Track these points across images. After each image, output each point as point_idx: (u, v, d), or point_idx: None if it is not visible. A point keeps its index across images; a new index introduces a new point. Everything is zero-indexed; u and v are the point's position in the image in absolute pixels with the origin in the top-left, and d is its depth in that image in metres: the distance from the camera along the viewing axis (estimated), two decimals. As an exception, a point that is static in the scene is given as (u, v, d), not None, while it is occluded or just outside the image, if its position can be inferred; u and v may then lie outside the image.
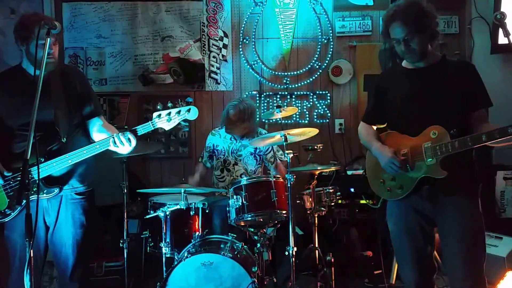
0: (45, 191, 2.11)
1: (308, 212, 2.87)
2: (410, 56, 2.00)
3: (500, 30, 1.98)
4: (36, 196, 1.92)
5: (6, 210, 2.09)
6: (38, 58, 1.82)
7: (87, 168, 2.27)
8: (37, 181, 1.99)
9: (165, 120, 2.07)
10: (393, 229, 2.13)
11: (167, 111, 2.08)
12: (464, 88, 1.93)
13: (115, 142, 2.07)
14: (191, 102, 2.12)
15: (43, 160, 2.07)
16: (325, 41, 3.91)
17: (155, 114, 2.08)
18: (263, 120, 3.34)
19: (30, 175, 1.90)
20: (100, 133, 2.27)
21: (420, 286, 2.06)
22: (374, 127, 2.22)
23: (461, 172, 1.96)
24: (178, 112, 2.08)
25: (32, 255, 1.63)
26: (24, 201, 1.91)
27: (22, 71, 2.18)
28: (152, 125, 2.08)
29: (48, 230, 2.22)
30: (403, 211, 2.07)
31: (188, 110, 2.08)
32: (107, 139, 2.10)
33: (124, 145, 2.07)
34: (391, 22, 1.96)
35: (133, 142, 2.08)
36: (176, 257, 2.57)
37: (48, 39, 1.84)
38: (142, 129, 2.09)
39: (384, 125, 2.21)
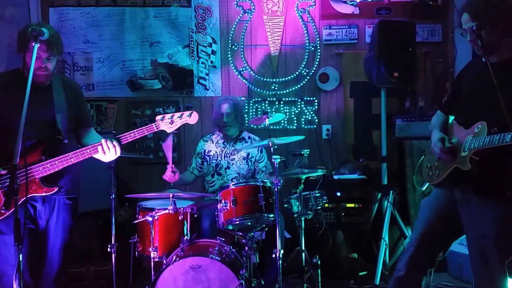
0: (44, 190, 2.16)
1: (295, 215, 2.92)
2: (476, 48, 2.03)
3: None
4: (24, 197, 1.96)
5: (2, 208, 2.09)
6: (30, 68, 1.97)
7: (78, 174, 2.37)
8: (16, 185, 1.92)
9: (168, 123, 2.22)
10: (422, 202, 2.25)
11: (169, 115, 2.23)
12: None
13: (102, 148, 2.16)
14: (191, 107, 2.32)
15: (44, 158, 2.15)
16: (313, 48, 3.98)
17: (158, 117, 2.23)
18: (251, 126, 3.38)
19: (21, 176, 1.96)
20: (89, 142, 2.37)
21: (414, 260, 2.12)
22: (449, 117, 2.25)
23: (496, 175, 1.96)
24: (180, 116, 2.23)
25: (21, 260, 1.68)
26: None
27: (22, 74, 2.20)
28: (156, 127, 2.21)
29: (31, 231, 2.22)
30: (438, 195, 2.18)
31: (190, 114, 2.25)
32: (97, 144, 2.19)
33: (110, 152, 2.17)
34: (462, 13, 2.02)
35: (118, 150, 2.18)
36: (164, 261, 2.58)
37: (35, 45, 1.97)
38: (146, 130, 2.20)
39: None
